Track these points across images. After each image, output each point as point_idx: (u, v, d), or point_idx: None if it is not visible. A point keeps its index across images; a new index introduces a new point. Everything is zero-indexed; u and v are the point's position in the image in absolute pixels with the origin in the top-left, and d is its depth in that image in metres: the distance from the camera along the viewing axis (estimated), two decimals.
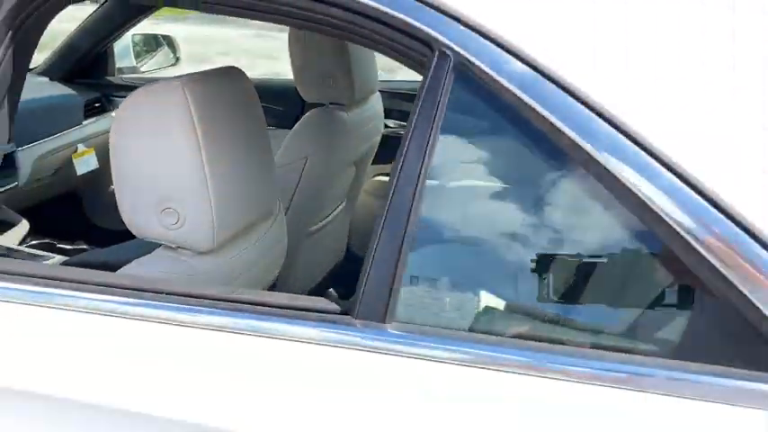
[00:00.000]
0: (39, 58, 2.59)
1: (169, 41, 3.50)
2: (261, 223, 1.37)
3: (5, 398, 0.84)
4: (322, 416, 0.75)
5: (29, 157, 2.36)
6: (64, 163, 2.51)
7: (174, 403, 0.79)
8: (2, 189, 2.17)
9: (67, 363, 0.85)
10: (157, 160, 1.17)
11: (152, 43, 3.37)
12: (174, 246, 1.21)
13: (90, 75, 2.80)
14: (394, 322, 0.75)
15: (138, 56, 3.18)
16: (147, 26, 3.37)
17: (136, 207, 1.18)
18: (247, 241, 1.33)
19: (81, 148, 2.57)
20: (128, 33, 2.94)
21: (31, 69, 2.72)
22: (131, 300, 0.85)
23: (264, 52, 7.55)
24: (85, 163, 2.58)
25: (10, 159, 2.22)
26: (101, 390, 0.82)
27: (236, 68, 1.34)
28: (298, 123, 1.96)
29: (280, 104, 2.55)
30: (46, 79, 2.70)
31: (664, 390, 0.68)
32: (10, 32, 1.09)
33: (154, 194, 1.17)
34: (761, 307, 0.66)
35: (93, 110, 2.69)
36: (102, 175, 2.54)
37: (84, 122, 2.63)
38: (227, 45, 8.41)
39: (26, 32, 1.14)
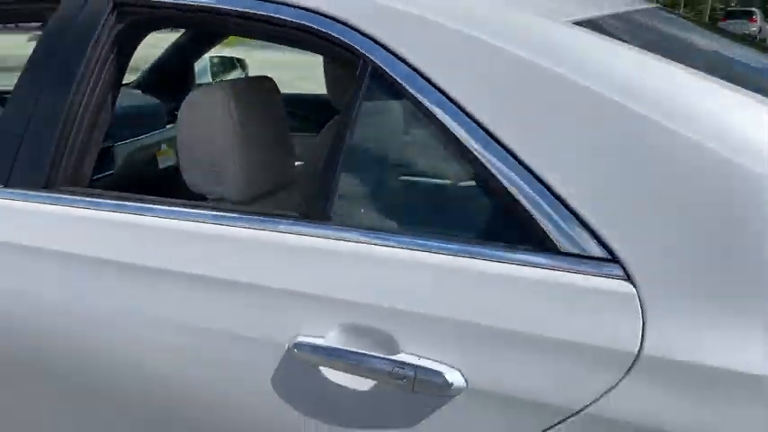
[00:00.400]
0: (130, 77, 2.95)
1: (242, 64, 3.93)
2: (282, 190, 1.81)
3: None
4: (282, 269, 1.17)
5: (122, 152, 2.74)
6: (149, 159, 2.87)
7: (198, 261, 1.23)
8: (100, 176, 2.55)
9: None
10: (206, 136, 1.61)
11: (227, 65, 3.73)
12: (217, 198, 1.71)
13: (174, 89, 3.14)
14: (331, 220, 1.17)
15: (214, 75, 3.52)
16: (226, 51, 3.79)
17: (191, 168, 1.65)
18: (271, 200, 1.77)
19: (164, 147, 2.92)
20: (206, 55, 3.34)
21: (127, 84, 3.11)
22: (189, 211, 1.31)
23: None
24: (166, 160, 2.92)
25: (108, 153, 2.64)
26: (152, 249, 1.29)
27: (269, 78, 1.79)
28: (326, 125, 2.42)
29: (323, 114, 2.95)
30: (138, 92, 3.10)
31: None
32: (116, 48, 1.46)
33: (203, 159, 1.62)
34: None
35: (174, 117, 2.81)
36: (178, 172, 2.98)
37: (167, 127, 3.00)
38: (307, 71, 8.77)
39: (125, 49, 1.50)
